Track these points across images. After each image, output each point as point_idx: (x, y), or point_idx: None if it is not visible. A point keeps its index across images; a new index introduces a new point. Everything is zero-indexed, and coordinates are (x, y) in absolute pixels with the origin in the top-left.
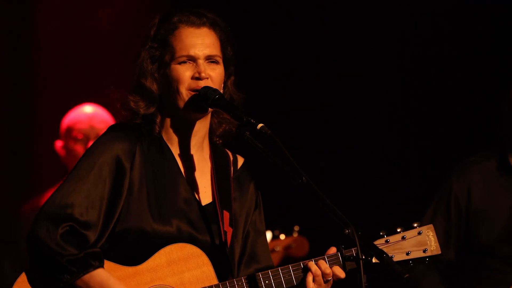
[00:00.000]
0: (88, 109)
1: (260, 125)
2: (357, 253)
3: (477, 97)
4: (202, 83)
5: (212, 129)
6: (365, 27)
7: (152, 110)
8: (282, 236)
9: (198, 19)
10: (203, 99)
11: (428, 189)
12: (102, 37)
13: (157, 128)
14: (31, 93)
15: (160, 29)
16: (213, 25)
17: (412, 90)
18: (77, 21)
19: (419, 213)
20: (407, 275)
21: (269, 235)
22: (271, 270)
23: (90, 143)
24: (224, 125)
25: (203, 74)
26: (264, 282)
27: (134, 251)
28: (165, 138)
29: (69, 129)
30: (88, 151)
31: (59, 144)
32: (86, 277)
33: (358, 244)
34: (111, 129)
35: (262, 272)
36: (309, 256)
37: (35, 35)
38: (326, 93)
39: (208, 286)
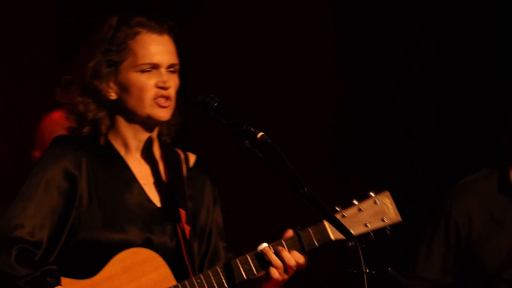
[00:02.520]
0: (60, 114)
1: (261, 134)
2: (361, 267)
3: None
4: (165, 93)
5: (160, 130)
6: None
7: (101, 114)
8: None
9: (159, 26)
10: (202, 106)
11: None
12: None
13: (102, 136)
14: None
15: (118, 31)
16: (172, 33)
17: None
18: None
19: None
20: None
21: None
22: (231, 261)
23: None
24: (171, 127)
25: (167, 84)
26: (223, 275)
27: (89, 262)
28: (114, 144)
29: (44, 139)
30: (34, 168)
31: (36, 154)
32: None
33: (361, 257)
34: (54, 142)
35: (220, 266)
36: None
37: None
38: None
39: None
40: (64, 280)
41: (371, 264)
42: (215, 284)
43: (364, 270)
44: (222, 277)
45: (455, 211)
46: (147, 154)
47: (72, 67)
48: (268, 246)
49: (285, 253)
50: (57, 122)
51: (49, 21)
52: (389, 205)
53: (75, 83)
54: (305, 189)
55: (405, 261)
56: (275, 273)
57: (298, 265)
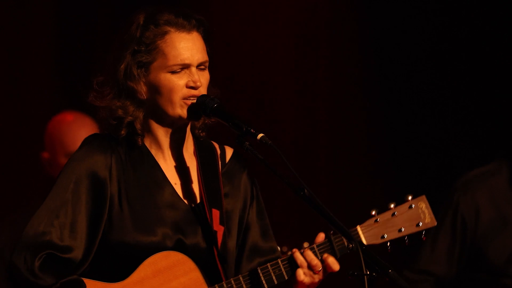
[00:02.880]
0: (69, 116)
1: (260, 135)
2: (361, 269)
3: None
4: (196, 92)
5: (192, 123)
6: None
7: (140, 115)
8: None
9: (187, 22)
10: (201, 108)
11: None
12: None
13: (140, 136)
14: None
15: (146, 30)
16: (200, 28)
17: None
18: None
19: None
20: None
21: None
22: (260, 267)
23: None
24: (206, 121)
25: (198, 83)
26: (254, 281)
27: (120, 266)
28: (146, 144)
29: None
30: (63, 170)
31: (45, 156)
32: None
33: (362, 259)
34: (84, 143)
35: (250, 271)
36: None
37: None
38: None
39: None
40: (95, 284)
41: (372, 266)
42: None
43: (365, 272)
44: (252, 282)
45: (463, 204)
46: (179, 152)
47: (103, 68)
48: (297, 251)
49: (308, 253)
50: (66, 124)
51: (49, 22)
52: (425, 210)
53: (106, 85)
54: (306, 191)
55: (407, 264)
56: (300, 274)
57: (330, 269)
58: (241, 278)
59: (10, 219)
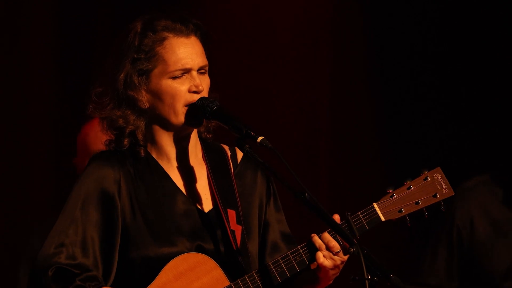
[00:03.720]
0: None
1: (261, 138)
2: (363, 274)
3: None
4: (198, 97)
5: (198, 130)
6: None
7: (141, 124)
8: None
9: (185, 27)
10: (200, 111)
11: None
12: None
13: (142, 147)
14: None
15: (144, 38)
16: (198, 32)
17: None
18: None
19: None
20: None
21: None
22: (280, 256)
23: None
24: (210, 125)
25: (200, 87)
26: (276, 271)
27: (142, 279)
28: (153, 155)
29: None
30: (72, 190)
31: (77, 161)
32: None
33: (363, 263)
34: (91, 160)
35: (272, 261)
36: None
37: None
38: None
39: None
40: None
41: (373, 270)
42: (267, 280)
43: (366, 277)
44: (275, 272)
45: (458, 215)
46: (187, 159)
47: (101, 78)
48: (315, 235)
49: (325, 235)
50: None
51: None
52: (441, 181)
53: (106, 95)
54: (306, 194)
55: (408, 268)
56: (320, 257)
57: (344, 247)
58: (268, 267)
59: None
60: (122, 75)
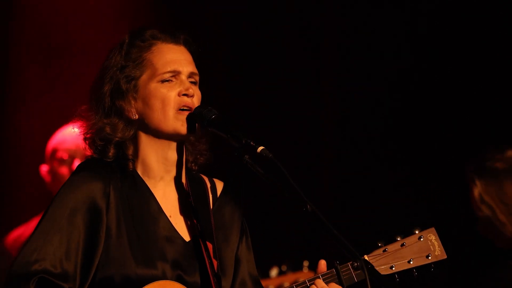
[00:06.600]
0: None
1: (261, 148)
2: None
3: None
4: (189, 101)
5: (186, 158)
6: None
7: (130, 134)
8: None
9: (173, 36)
10: (198, 119)
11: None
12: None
13: (130, 161)
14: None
15: (132, 47)
16: (188, 44)
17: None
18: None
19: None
20: None
21: (275, 271)
22: None
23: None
24: (198, 156)
25: (190, 90)
26: None
27: None
28: (138, 171)
29: (54, 151)
30: (58, 196)
31: (44, 168)
32: None
33: (367, 277)
34: (81, 168)
35: None
36: None
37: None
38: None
39: None
40: None
41: (377, 285)
42: None
43: None
44: None
45: None
46: (173, 181)
47: (89, 93)
48: (306, 281)
49: (320, 282)
50: (70, 136)
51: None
52: (435, 242)
53: (92, 110)
54: (308, 206)
55: (412, 282)
56: None
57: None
58: None
59: (8, 242)
60: (109, 86)
